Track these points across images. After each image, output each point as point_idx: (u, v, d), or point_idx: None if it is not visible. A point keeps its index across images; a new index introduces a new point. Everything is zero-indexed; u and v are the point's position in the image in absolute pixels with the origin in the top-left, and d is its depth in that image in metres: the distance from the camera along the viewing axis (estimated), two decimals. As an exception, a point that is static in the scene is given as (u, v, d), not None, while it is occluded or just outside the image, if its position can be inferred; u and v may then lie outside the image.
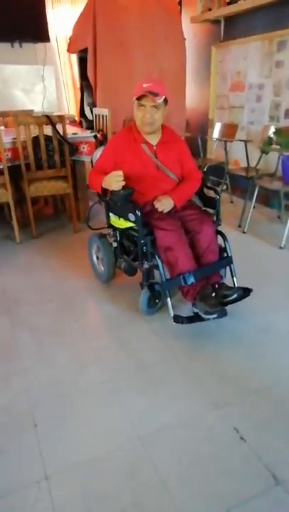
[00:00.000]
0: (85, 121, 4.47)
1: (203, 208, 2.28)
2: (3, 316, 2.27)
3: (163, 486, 1.29)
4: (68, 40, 4.37)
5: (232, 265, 2.19)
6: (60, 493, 1.28)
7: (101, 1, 3.93)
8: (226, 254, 2.20)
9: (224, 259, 2.18)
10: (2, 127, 3.73)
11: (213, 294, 1.99)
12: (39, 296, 2.48)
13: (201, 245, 2.08)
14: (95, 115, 3.84)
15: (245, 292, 2.10)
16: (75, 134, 3.41)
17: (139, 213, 1.98)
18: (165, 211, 2.05)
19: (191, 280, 1.96)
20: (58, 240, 3.35)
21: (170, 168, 2.15)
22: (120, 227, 2.25)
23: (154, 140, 2.14)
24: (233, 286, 2.14)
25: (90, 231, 2.59)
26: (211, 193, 2.35)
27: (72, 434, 1.50)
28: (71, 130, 3.55)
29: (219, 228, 2.22)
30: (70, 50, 4.42)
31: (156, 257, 2.01)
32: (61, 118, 3.14)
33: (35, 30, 4.46)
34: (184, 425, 1.52)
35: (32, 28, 4.42)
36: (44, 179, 3.24)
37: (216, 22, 4.29)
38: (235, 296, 2.04)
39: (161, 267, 1.99)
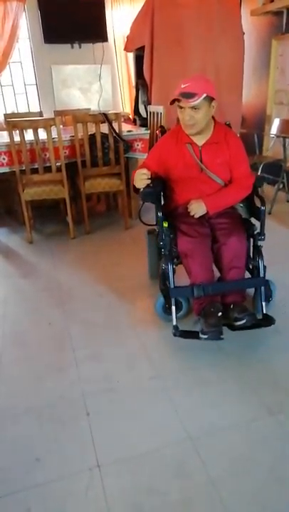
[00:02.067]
0: (139, 119, 4.52)
1: (244, 217, 2.08)
2: (58, 309, 2.35)
3: (213, 487, 1.27)
4: (126, 39, 4.42)
5: (262, 288, 1.94)
6: (111, 483, 1.30)
7: (160, 1, 3.94)
8: (258, 274, 1.97)
9: (252, 278, 2.00)
10: (60, 126, 3.86)
11: (220, 314, 1.84)
12: (91, 290, 2.54)
13: (224, 259, 1.93)
14: (150, 113, 3.86)
15: (264, 321, 1.88)
16: (130, 131, 3.45)
17: (160, 214, 1.98)
18: (196, 216, 1.94)
19: (200, 293, 1.86)
20: (110, 236, 3.41)
21: (215, 171, 2.00)
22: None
23: (200, 140, 1.99)
24: (252, 310, 1.90)
25: (140, 228, 2.60)
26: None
27: (122, 427, 1.52)
28: (126, 128, 3.60)
29: (260, 243, 1.98)
30: (127, 49, 4.48)
31: (169, 262, 1.94)
32: (117, 116, 3.19)
33: (94, 31, 4.57)
34: (235, 428, 1.49)
35: (91, 29, 4.53)
36: (98, 176, 3.31)
37: (277, 14, 4.13)
38: (243, 321, 1.82)
39: (171, 272, 1.92)
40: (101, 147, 3.21)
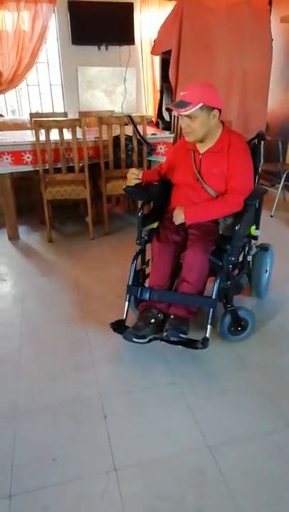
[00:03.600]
0: (162, 123, 4.53)
1: (221, 233, 1.97)
2: (76, 308, 2.36)
3: (229, 497, 1.26)
4: (153, 43, 4.44)
5: (212, 310, 1.80)
6: (127, 488, 1.30)
7: (189, 4, 3.95)
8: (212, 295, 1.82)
9: (201, 297, 1.86)
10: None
11: (152, 321, 1.85)
12: (109, 291, 2.54)
13: (182, 270, 1.88)
14: (174, 116, 3.86)
15: (193, 343, 1.78)
16: (154, 134, 3.45)
17: (140, 214, 2.05)
18: (176, 223, 1.93)
19: (145, 296, 1.89)
20: (129, 238, 3.41)
21: (209, 181, 1.95)
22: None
23: (202, 148, 1.96)
24: (185, 328, 1.83)
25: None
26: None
27: (140, 431, 1.51)
28: (150, 131, 3.61)
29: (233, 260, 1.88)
30: (153, 52, 4.50)
31: (134, 260, 2.02)
32: (142, 119, 3.20)
33: (122, 34, 4.61)
34: (253, 439, 1.47)
35: (119, 32, 4.57)
36: (120, 178, 3.32)
37: (307, 21, 4.08)
38: (165, 334, 1.79)
39: (132, 270, 2.00)
40: (124, 149, 3.23)
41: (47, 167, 3.14)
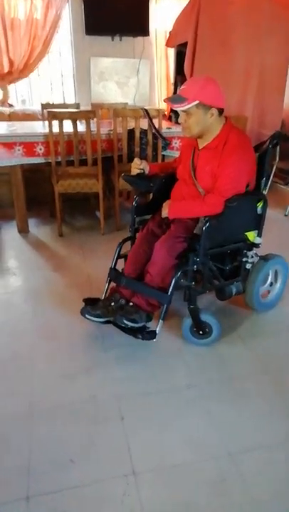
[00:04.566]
0: (175, 116, 4.44)
1: (195, 232, 1.92)
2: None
3: (253, 507, 1.22)
4: (168, 35, 4.35)
5: (165, 306, 1.84)
6: (147, 493, 1.26)
7: (206, -3, 3.85)
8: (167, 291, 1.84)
9: (158, 291, 1.86)
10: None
11: (112, 304, 1.97)
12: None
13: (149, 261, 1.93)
14: (188, 111, 3.78)
15: (130, 330, 1.86)
16: (170, 128, 3.38)
17: (134, 203, 2.14)
18: (162, 215, 1.97)
19: (112, 279, 2.05)
20: (141, 234, 3.36)
21: (199, 178, 1.92)
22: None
23: (201, 144, 1.92)
24: (137, 317, 1.86)
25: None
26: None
27: (158, 434, 1.48)
28: (164, 125, 3.54)
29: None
30: (168, 44, 4.41)
31: (119, 245, 2.14)
32: (158, 112, 3.13)
33: (136, 25, 4.51)
34: (277, 447, 1.43)
35: (134, 23, 4.48)
36: (134, 172, 3.26)
37: None
38: (113, 318, 1.89)
39: (115, 255, 2.12)
40: (139, 143, 3.16)
41: (59, 159, 3.08)
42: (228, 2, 3.84)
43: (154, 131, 3.13)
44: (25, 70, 4.39)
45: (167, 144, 3.30)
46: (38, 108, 4.41)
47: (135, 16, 4.47)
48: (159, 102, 5.00)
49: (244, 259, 2.07)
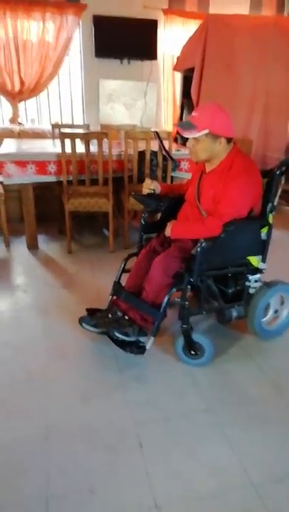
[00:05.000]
0: (180, 138, 4.53)
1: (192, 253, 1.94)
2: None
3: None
4: (176, 59, 4.48)
5: (156, 323, 1.89)
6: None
7: (214, 23, 3.99)
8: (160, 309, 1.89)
9: (151, 308, 1.91)
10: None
11: (109, 316, 2.02)
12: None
13: None
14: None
15: (120, 342, 1.92)
16: (179, 150, 3.45)
17: (142, 221, 2.23)
18: (166, 234, 2.00)
19: (114, 292, 2.10)
20: (149, 253, 3.39)
21: (202, 200, 1.96)
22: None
23: (208, 168, 1.97)
24: (129, 331, 1.93)
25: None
26: None
27: (178, 463, 1.46)
28: (173, 147, 3.61)
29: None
30: (176, 69, 4.54)
31: (124, 260, 2.21)
32: (168, 135, 3.20)
33: (145, 49, 4.64)
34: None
35: (142, 47, 4.61)
36: (143, 192, 3.31)
37: None
38: (106, 329, 1.98)
39: (120, 269, 2.19)
40: (149, 164, 3.22)
41: (70, 178, 3.12)
42: (235, 29, 3.99)
43: (164, 152, 3.19)
44: (36, 89, 4.48)
45: (176, 166, 3.36)
46: (47, 127, 4.50)
47: (143, 41, 4.61)
48: (166, 123, 5.10)
49: (247, 284, 2.08)
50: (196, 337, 1.94)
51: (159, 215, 2.30)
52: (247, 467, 1.44)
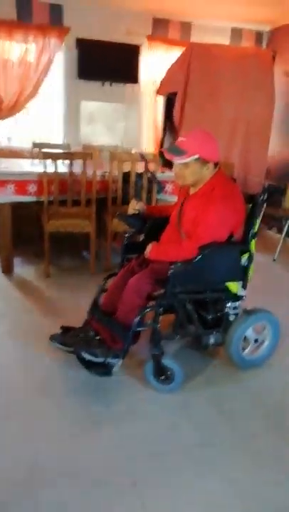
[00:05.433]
0: (161, 160, 4.52)
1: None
2: (86, 354, 2.15)
3: None
4: (159, 84, 4.51)
5: (125, 344, 1.85)
6: None
7: (197, 51, 4.08)
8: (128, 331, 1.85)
9: (120, 326, 1.88)
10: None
11: (81, 335, 1.98)
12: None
13: None
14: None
15: (86, 362, 1.88)
16: (163, 172, 3.41)
17: (124, 241, 2.21)
18: (145, 255, 1.98)
19: (93, 314, 2.04)
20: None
21: (184, 223, 1.94)
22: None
23: (192, 191, 1.98)
24: (98, 351, 1.87)
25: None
26: None
27: (177, 502, 1.33)
28: (158, 169, 3.56)
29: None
30: (159, 92, 4.56)
31: (105, 280, 2.20)
32: (154, 157, 3.15)
33: (127, 73, 4.66)
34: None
35: (124, 71, 4.62)
36: (126, 214, 3.21)
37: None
38: (71, 349, 1.93)
39: (98, 289, 2.16)
40: (134, 185, 3.14)
41: (51, 199, 2.99)
42: (217, 58, 4.08)
43: (149, 175, 3.13)
44: (15, 108, 4.37)
45: (162, 188, 3.30)
46: (24, 146, 4.37)
47: (126, 65, 4.63)
48: (146, 145, 5.09)
49: (226, 310, 2.01)
50: (166, 362, 1.86)
51: (142, 237, 2.25)
52: (249, 506, 1.33)
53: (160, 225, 2.12)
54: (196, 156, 1.79)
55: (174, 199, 3.31)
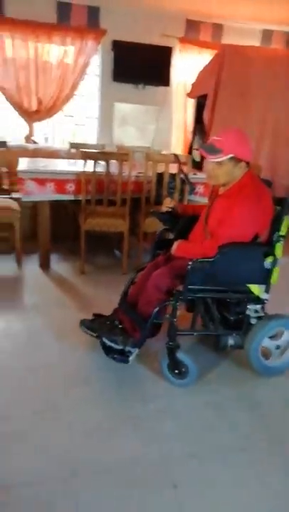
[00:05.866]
0: (193, 162, 4.58)
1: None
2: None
3: None
4: (191, 86, 4.58)
5: (142, 334, 1.94)
6: None
7: (230, 52, 4.11)
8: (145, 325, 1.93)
9: (138, 317, 1.98)
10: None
11: (107, 323, 2.13)
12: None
13: None
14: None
15: (106, 348, 2.01)
16: (195, 174, 3.46)
17: (157, 238, 2.32)
18: (171, 252, 2.03)
19: (120, 304, 2.16)
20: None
21: (209, 222, 1.97)
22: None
23: (221, 191, 1.99)
24: (119, 339, 2.00)
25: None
26: None
27: (216, 506, 1.37)
28: (191, 171, 3.62)
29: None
30: (190, 95, 4.62)
31: (132, 275, 2.28)
32: (187, 158, 3.22)
33: (159, 76, 4.76)
34: None
35: (157, 73, 4.72)
36: (159, 214, 3.29)
37: None
38: (95, 334, 2.10)
39: (128, 282, 2.24)
40: (167, 186, 3.22)
41: (88, 198, 3.10)
42: (250, 59, 4.10)
43: (182, 176, 3.20)
44: (52, 110, 4.53)
45: (193, 189, 3.36)
46: (61, 146, 4.52)
47: (159, 67, 4.72)
48: (176, 147, 5.16)
49: (247, 313, 2.00)
50: (181, 356, 1.90)
51: (173, 234, 2.30)
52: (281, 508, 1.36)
53: (192, 223, 2.17)
54: (231, 155, 1.81)
55: (204, 200, 3.38)
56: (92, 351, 2.18)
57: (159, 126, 5.06)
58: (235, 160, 1.83)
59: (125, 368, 2.03)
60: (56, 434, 1.63)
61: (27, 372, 2.01)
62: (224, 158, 1.82)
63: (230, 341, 2.02)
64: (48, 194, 3.06)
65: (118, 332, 2.04)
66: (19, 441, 1.58)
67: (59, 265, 3.41)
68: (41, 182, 3.00)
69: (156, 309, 1.88)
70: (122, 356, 1.97)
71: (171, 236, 2.32)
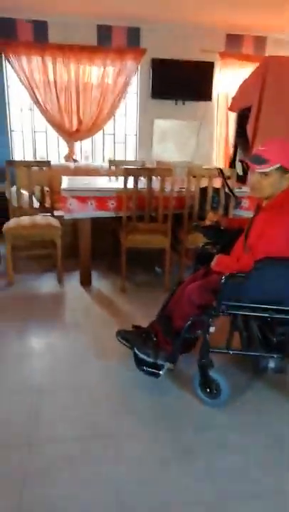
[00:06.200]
0: (237, 176, 4.45)
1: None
2: (169, 372, 2.12)
3: None
4: (231, 100, 4.48)
5: (173, 348, 1.90)
6: None
7: (274, 64, 3.98)
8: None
9: (170, 330, 1.96)
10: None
11: (143, 335, 2.10)
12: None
13: None
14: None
15: (138, 361, 1.98)
16: (240, 188, 3.34)
17: (199, 251, 2.29)
18: (211, 266, 1.95)
19: (159, 317, 2.14)
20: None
21: (250, 236, 1.87)
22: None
23: (265, 203, 1.91)
24: (150, 352, 1.97)
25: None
26: None
27: None
28: (235, 185, 3.50)
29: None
30: (232, 109, 4.52)
31: (173, 288, 2.28)
32: (232, 172, 3.10)
33: (200, 91, 4.71)
34: None
35: (197, 89, 4.68)
36: (202, 230, 3.18)
37: None
38: (129, 344, 2.10)
39: (168, 295, 2.24)
40: (211, 201, 3.11)
41: (129, 214, 3.05)
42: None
43: (227, 190, 3.09)
44: (92, 129, 4.59)
45: (239, 204, 3.23)
46: (101, 163, 4.56)
47: (199, 83, 4.68)
48: (217, 162, 5.06)
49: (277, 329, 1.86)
50: (213, 375, 1.84)
51: (216, 248, 2.24)
52: None
53: (237, 237, 2.07)
54: (278, 165, 1.75)
55: (249, 215, 3.24)
56: (136, 374, 2.06)
57: (199, 140, 4.99)
58: (282, 170, 1.77)
59: (171, 392, 1.91)
60: (104, 463, 1.54)
61: (67, 391, 1.95)
62: (271, 168, 1.75)
63: (271, 364, 1.90)
64: (89, 211, 3.04)
65: (151, 345, 2.02)
66: (67, 466, 1.50)
67: (99, 282, 3.37)
68: (83, 200, 3.00)
69: (188, 323, 1.83)
70: (154, 369, 1.95)
71: (213, 250, 2.25)
